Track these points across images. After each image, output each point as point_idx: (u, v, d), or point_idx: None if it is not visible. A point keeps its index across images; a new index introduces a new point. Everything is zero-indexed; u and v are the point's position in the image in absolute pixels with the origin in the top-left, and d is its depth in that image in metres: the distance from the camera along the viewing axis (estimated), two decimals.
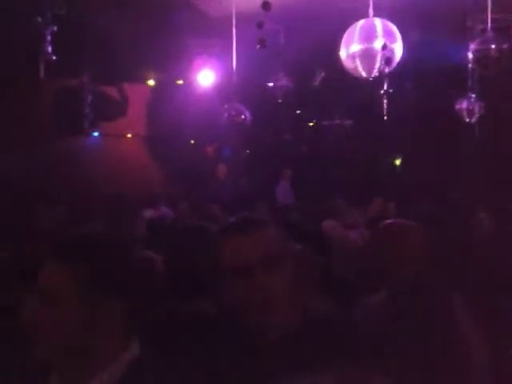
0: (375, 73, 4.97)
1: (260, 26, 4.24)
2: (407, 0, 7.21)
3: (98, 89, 9.17)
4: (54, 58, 5.04)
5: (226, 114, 5.31)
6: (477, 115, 7.28)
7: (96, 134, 9.68)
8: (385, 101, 5.36)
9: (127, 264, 1.46)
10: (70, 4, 6.49)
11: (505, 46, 5.57)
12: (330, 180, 10.18)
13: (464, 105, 7.41)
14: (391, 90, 5.26)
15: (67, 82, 8.99)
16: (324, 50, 7.46)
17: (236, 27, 5.85)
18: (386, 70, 4.84)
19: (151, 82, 9.54)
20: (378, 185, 9.55)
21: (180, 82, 9.43)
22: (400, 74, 7.31)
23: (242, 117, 5.31)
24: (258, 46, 4.37)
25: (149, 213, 6.18)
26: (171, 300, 2.09)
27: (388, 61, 4.83)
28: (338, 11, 7.05)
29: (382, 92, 5.23)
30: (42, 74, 5.15)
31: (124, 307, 1.41)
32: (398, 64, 6.43)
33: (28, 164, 8.23)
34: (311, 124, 12.88)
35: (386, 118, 5.42)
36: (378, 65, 5.31)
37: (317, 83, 9.36)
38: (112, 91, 9.59)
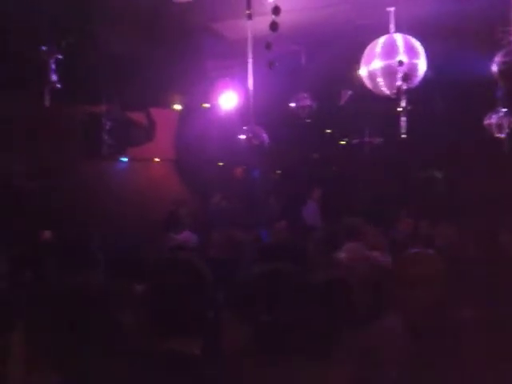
0: (390, 90, 4.85)
1: (268, 47, 4.20)
2: (431, 14, 7.09)
3: (125, 115, 9.30)
4: (59, 86, 5.10)
5: (243, 137, 5.28)
6: (506, 130, 7.07)
7: (124, 159, 9.79)
8: (403, 118, 5.24)
9: None
10: (94, 32, 6.64)
11: None
12: (358, 199, 10.04)
13: (493, 119, 7.21)
14: (409, 107, 5.14)
15: (95, 108, 9.15)
16: (348, 68, 7.41)
17: (254, 49, 5.83)
18: (404, 86, 4.72)
19: (177, 107, 9.62)
20: (410, 203, 9.36)
21: (206, 105, 9.48)
22: (427, 89, 7.21)
23: (260, 139, 5.26)
24: (269, 68, 4.31)
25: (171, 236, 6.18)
26: None
27: (405, 77, 4.72)
28: (359, 28, 7.00)
29: (400, 109, 5.12)
30: (47, 102, 5.22)
31: None
32: (426, 78, 6.33)
33: (57, 188, 8.39)
34: (343, 143, 12.78)
35: (405, 136, 5.29)
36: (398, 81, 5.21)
37: (343, 102, 9.27)
38: (139, 117, 9.71)
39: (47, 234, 5.70)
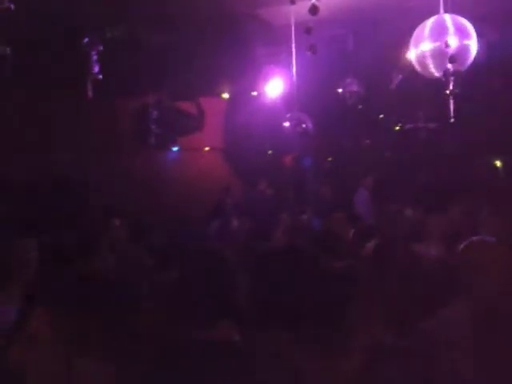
0: (439, 72, 4.66)
1: (308, 31, 4.11)
2: None
3: (175, 105, 9.39)
4: (101, 77, 5.16)
5: (287, 124, 5.21)
6: None
7: (175, 148, 9.90)
8: (451, 101, 5.03)
9: None
10: (139, 25, 6.72)
11: None
12: (412, 187, 9.77)
13: None
14: (457, 91, 4.92)
15: (146, 99, 9.28)
16: (398, 51, 7.20)
17: (299, 34, 5.74)
18: (451, 68, 4.52)
19: (226, 95, 9.63)
20: (466, 190, 9.04)
21: (254, 93, 9.45)
22: (483, 72, 6.90)
23: (303, 126, 5.17)
24: (309, 53, 4.21)
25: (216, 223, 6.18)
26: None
27: (452, 59, 4.52)
28: (408, 10, 6.77)
29: (447, 92, 4.91)
30: (90, 93, 5.30)
31: None
32: (480, 61, 6.06)
33: (111, 178, 8.58)
34: (397, 128, 12.48)
35: (452, 120, 5.08)
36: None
37: (394, 86, 9.02)
38: (189, 107, 9.78)
39: (117, 221, 5.74)
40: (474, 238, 2.68)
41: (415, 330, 2.46)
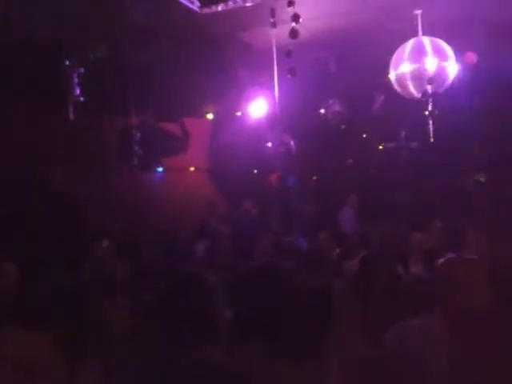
0: (419, 93, 4.78)
1: (288, 55, 4.20)
2: (466, 15, 6.95)
3: (159, 126, 9.43)
4: (82, 99, 5.21)
5: (270, 144, 5.29)
6: None
7: (160, 169, 9.92)
8: (430, 122, 5.14)
9: None
10: (122, 46, 6.78)
11: None
12: (397, 204, 9.88)
13: None
14: (436, 112, 5.03)
15: (130, 120, 9.31)
16: (379, 72, 7.33)
17: (281, 57, 5.84)
18: (429, 90, 4.64)
19: (210, 116, 9.70)
20: (451, 208, 9.15)
21: (239, 113, 9.54)
22: (464, 91, 7.04)
23: (286, 146, 5.25)
24: (291, 75, 4.30)
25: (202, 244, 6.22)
26: None
27: (430, 81, 4.64)
28: (388, 32, 6.92)
29: (426, 113, 5.02)
30: (71, 115, 5.35)
31: None
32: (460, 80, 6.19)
33: (94, 198, 8.56)
34: (380, 147, 12.64)
35: (432, 140, 5.19)
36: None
37: (376, 107, 9.18)
38: (173, 127, 9.83)
39: (105, 242, 5.79)
40: (451, 255, 2.76)
41: (387, 340, 2.52)
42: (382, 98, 9.22)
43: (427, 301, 2.73)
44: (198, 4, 5.28)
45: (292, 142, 5.30)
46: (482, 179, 11.59)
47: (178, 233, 8.59)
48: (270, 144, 5.27)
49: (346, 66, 7.57)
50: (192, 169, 10.35)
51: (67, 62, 5.21)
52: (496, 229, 5.66)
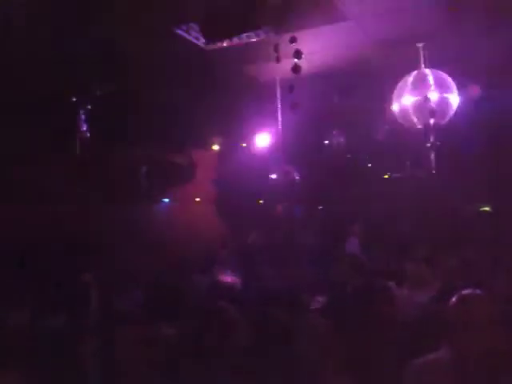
0: (421, 124, 4.84)
1: (291, 90, 4.28)
2: (466, 52, 7.05)
3: (165, 157, 9.53)
4: (89, 135, 5.31)
5: (274, 175, 5.34)
6: None
7: (166, 200, 9.99)
8: (432, 154, 5.19)
9: None
10: (129, 81, 6.91)
11: None
12: (401, 234, 9.84)
13: None
14: (438, 143, 5.09)
15: (136, 152, 9.40)
16: (383, 103, 7.42)
17: (284, 90, 5.94)
18: (432, 121, 4.70)
19: (216, 147, 9.81)
20: (458, 240, 9.11)
21: (244, 144, 9.65)
22: (472, 124, 7.09)
23: (290, 177, 5.30)
24: (293, 109, 4.38)
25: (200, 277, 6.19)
26: None
27: (432, 113, 4.70)
28: (391, 64, 7.02)
29: (428, 145, 5.08)
30: (78, 150, 5.44)
31: None
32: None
33: (101, 230, 8.59)
34: (386, 176, 12.66)
35: (434, 171, 5.23)
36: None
37: (381, 137, 9.26)
38: (180, 159, 9.93)
39: (87, 276, 5.78)
40: (465, 292, 2.74)
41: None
42: (387, 127, 9.31)
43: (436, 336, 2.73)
44: (203, 41, 5.40)
45: (296, 173, 5.35)
46: (487, 209, 11.57)
47: (182, 264, 8.60)
48: (274, 175, 5.32)
49: (350, 97, 7.67)
50: (198, 199, 10.41)
51: (74, 99, 5.32)
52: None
